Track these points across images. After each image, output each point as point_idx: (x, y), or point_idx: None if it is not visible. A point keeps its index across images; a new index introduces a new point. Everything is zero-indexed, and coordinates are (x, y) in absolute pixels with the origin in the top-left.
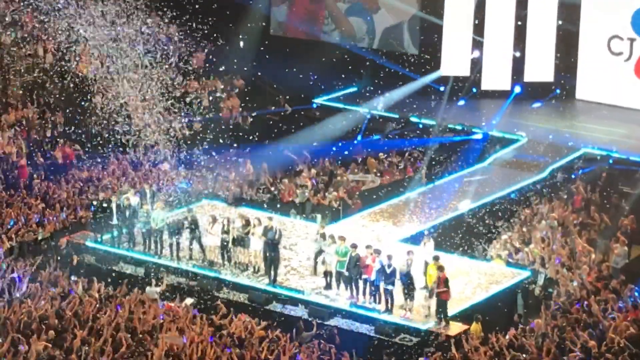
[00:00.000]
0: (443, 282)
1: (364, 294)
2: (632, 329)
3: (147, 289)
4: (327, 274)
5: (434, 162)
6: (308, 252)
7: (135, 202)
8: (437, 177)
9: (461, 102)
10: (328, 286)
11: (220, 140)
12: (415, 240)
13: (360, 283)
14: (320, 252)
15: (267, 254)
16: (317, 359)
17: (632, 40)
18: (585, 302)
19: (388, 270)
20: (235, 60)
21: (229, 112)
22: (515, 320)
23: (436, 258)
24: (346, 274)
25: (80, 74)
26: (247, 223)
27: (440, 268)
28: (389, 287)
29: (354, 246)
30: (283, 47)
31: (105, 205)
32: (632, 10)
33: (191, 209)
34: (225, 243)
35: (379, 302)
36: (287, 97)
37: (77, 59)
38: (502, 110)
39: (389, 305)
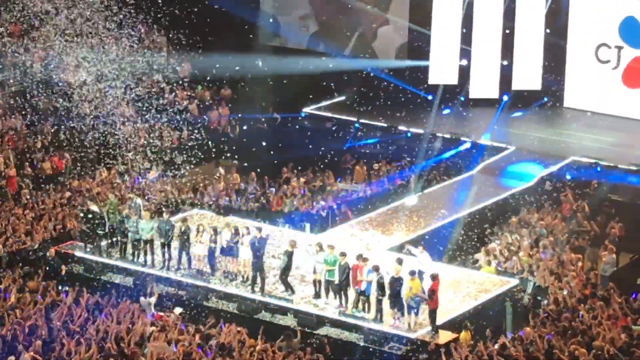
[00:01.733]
0: (429, 291)
1: (354, 302)
2: (622, 337)
3: (142, 299)
4: (316, 282)
5: (422, 171)
6: (297, 262)
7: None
8: (425, 186)
9: (446, 111)
10: (317, 295)
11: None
12: (404, 249)
13: (350, 292)
14: (287, 268)
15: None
16: None
17: (619, 48)
18: (575, 310)
19: (377, 279)
20: (223, 70)
21: (217, 121)
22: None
23: (412, 273)
24: (336, 282)
25: (67, 84)
26: (236, 232)
27: (433, 277)
28: (379, 295)
29: (343, 254)
30: (272, 56)
31: (90, 215)
32: (620, 19)
33: (185, 218)
34: (212, 252)
35: (369, 311)
36: (276, 106)
37: (65, 68)
38: (494, 119)
39: (379, 314)
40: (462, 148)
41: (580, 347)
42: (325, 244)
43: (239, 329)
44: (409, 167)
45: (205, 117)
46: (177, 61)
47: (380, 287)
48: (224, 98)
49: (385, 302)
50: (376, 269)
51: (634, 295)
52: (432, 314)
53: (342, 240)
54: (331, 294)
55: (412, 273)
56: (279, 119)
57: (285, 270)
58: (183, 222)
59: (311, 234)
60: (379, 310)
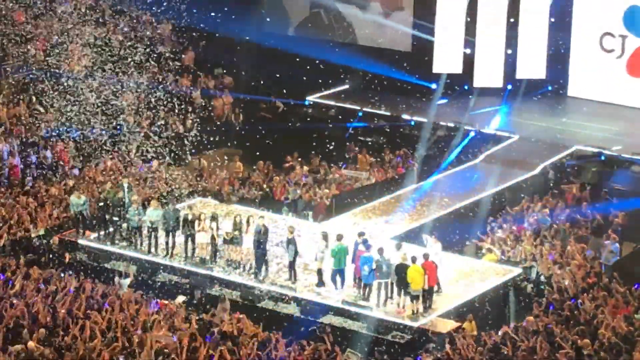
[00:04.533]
0: (422, 268)
1: (359, 290)
2: (623, 326)
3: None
4: (320, 271)
5: (425, 160)
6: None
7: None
8: (429, 175)
9: (442, 101)
10: (320, 283)
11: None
12: (407, 238)
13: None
14: (294, 259)
15: (256, 252)
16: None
17: (624, 37)
18: (578, 299)
19: (378, 265)
20: (226, 58)
21: (221, 109)
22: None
23: (414, 260)
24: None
25: (71, 72)
26: (240, 221)
27: (425, 256)
28: (383, 283)
29: (339, 238)
30: (275, 44)
31: (102, 204)
32: (624, 7)
33: (192, 206)
34: (215, 241)
35: (370, 298)
36: (279, 94)
37: (68, 56)
38: (500, 108)
39: (382, 302)
40: (467, 140)
41: (582, 336)
42: (330, 233)
43: (240, 316)
44: (412, 156)
45: (206, 103)
46: (181, 48)
47: (379, 268)
48: (227, 86)
49: (389, 290)
50: (380, 251)
51: (636, 286)
52: (428, 293)
53: (345, 228)
54: (335, 281)
55: (414, 260)
56: (281, 107)
57: (293, 262)
58: (190, 210)
59: (314, 222)
60: (382, 297)
